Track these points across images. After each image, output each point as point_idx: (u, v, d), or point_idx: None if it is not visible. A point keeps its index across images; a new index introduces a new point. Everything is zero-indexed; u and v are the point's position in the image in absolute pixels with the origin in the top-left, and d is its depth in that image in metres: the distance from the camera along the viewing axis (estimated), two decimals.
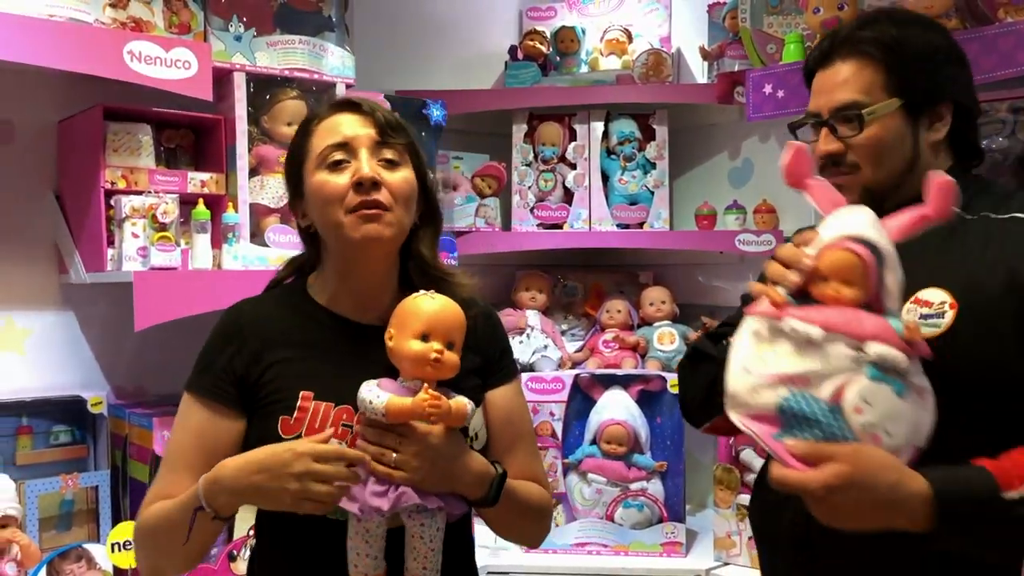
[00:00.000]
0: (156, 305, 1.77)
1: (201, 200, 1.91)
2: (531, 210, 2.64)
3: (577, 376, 2.45)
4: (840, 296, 1.08)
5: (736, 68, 2.49)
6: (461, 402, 1.22)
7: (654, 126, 2.64)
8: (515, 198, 2.66)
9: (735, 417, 1.11)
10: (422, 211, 1.33)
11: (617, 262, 2.85)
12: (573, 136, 2.64)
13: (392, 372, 1.24)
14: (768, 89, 2.08)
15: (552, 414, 2.41)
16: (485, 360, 1.35)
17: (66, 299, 2.09)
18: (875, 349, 1.06)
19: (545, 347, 2.56)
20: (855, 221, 1.11)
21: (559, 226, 2.63)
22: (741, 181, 2.68)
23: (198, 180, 1.99)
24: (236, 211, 1.97)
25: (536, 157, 2.68)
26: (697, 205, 2.65)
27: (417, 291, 1.25)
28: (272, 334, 1.29)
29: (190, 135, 2.10)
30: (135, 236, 1.85)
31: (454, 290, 1.29)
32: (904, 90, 1.26)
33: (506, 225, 2.68)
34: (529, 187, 2.66)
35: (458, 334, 1.24)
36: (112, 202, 1.88)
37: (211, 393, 1.27)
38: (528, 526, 1.39)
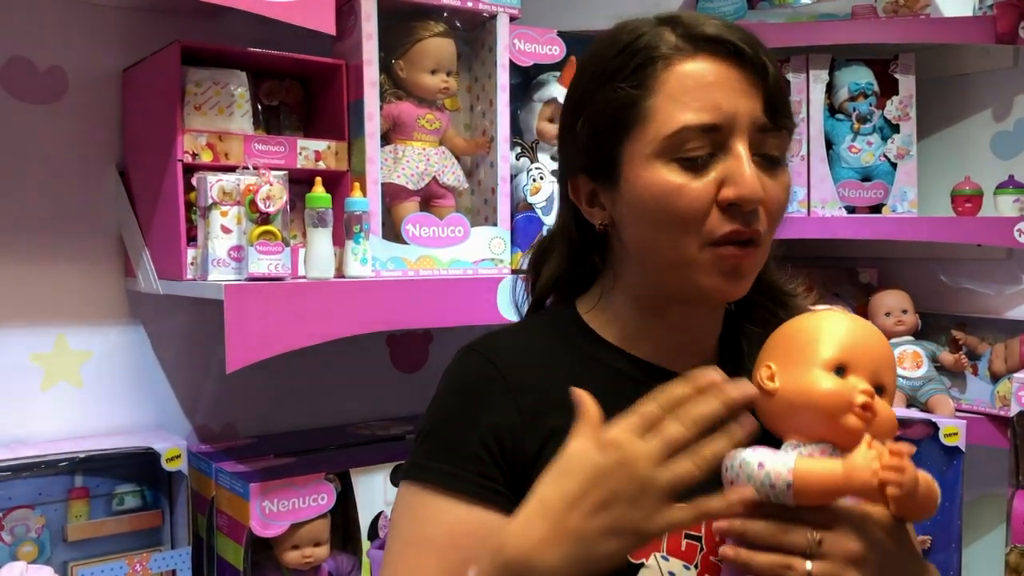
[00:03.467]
0: (256, 334, 1.21)
1: (319, 180, 1.34)
2: None
3: None
4: None
5: None
6: (933, 481, 0.76)
7: (897, 76, 1.97)
8: None
9: None
10: None
11: (828, 254, 2.21)
12: (787, 89, 1.99)
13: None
14: None
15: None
16: None
17: (134, 311, 1.55)
18: None
19: None
20: None
21: None
22: (1012, 150, 2.01)
23: (311, 151, 1.42)
24: (364, 194, 1.39)
25: None
26: (947, 181, 1.99)
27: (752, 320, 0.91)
28: (550, 385, 0.85)
29: (297, 88, 1.53)
30: (226, 231, 1.30)
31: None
32: None
33: None
34: None
35: (893, 375, 0.80)
36: (194, 182, 1.33)
37: (473, 487, 0.82)
38: None
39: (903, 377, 1.91)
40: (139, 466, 1.46)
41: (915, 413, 1.81)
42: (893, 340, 1.97)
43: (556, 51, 1.61)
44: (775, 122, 0.82)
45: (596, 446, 0.70)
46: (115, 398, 1.54)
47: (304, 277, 1.34)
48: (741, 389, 0.71)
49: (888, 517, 0.74)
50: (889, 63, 1.98)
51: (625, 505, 0.68)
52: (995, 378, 1.91)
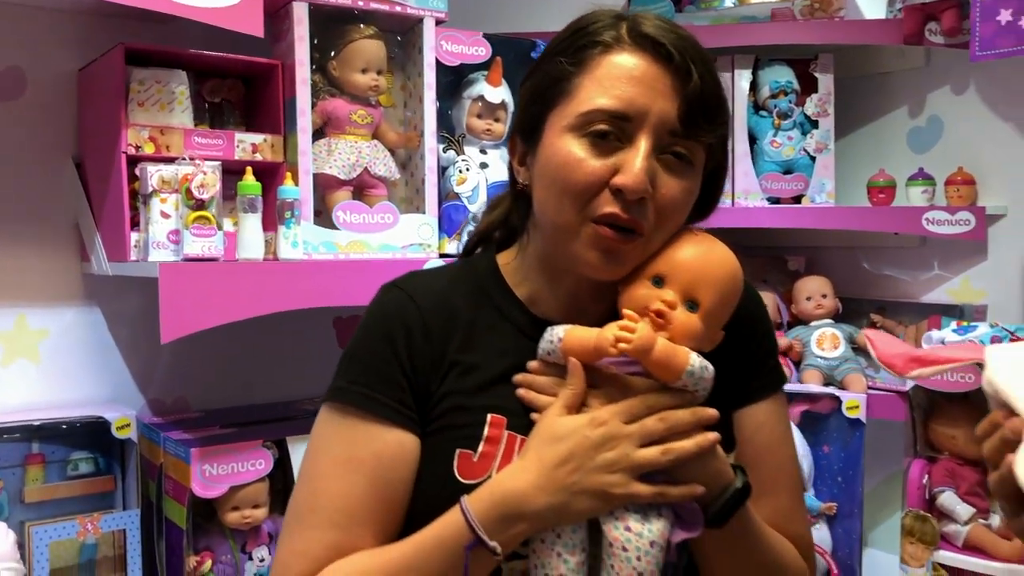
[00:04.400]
0: (189, 308, 1.34)
1: (249, 169, 1.47)
2: None
3: None
4: None
5: None
6: (679, 349, 0.87)
7: (816, 74, 2.10)
8: None
9: None
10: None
11: (759, 244, 2.33)
12: None
13: None
14: (1006, 17, 1.53)
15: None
16: (739, 360, 0.98)
17: (89, 293, 1.68)
18: None
19: None
20: None
21: None
22: (925, 144, 2.13)
23: (248, 144, 1.54)
24: (296, 183, 1.52)
25: None
26: (867, 174, 2.11)
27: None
28: (456, 326, 0.96)
29: (239, 87, 1.66)
30: (165, 216, 1.42)
31: None
32: None
33: None
34: None
35: (712, 293, 0.89)
36: (137, 172, 1.45)
37: (394, 412, 0.92)
38: None
39: (821, 358, 2.03)
40: (92, 435, 1.58)
41: (821, 388, 1.93)
42: (814, 323, 2.10)
43: (482, 52, 1.73)
44: (687, 129, 0.87)
45: (587, 422, 0.86)
46: (71, 374, 1.67)
47: (238, 258, 1.46)
48: (712, 412, 0.88)
49: (649, 384, 0.87)
50: (809, 63, 2.11)
51: (602, 472, 0.85)
52: None
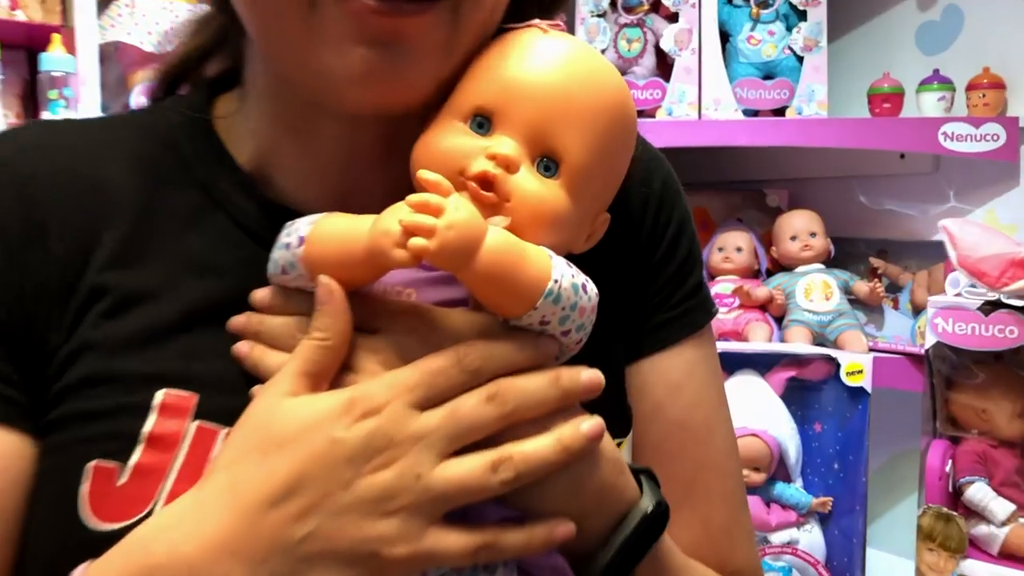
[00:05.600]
0: None
1: None
2: None
3: None
4: None
5: None
6: (531, 248, 0.46)
7: None
8: None
9: None
10: None
11: (731, 175, 1.92)
12: None
13: None
14: None
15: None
16: (633, 272, 0.60)
17: None
18: None
19: None
20: None
21: (650, 114, 1.68)
22: (939, 43, 1.72)
23: None
24: (72, 52, 1.06)
25: (614, 3, 1.71)
26: (868, 79, 1.69)
27: None
28: (109, 218, 0.52)
29: None
30: None
31: None
32: None
33: None
34: (603, 50, 1.69)
35: (583, 140, 0.48)
36: None
37: None
38: None
39: (809, 312, 1.62)
40: None
41: (814, 348, 1.52)
42: (800, 268, 1.69)
43: None
44: None
45: (341, 408, 0.43)
46: None
47: None
48: (594, 377, 0.47)
49: (472, 321, 0.46)
50: None
51: (365, 513, 0.42)
52: (917, 311, 1.64)
